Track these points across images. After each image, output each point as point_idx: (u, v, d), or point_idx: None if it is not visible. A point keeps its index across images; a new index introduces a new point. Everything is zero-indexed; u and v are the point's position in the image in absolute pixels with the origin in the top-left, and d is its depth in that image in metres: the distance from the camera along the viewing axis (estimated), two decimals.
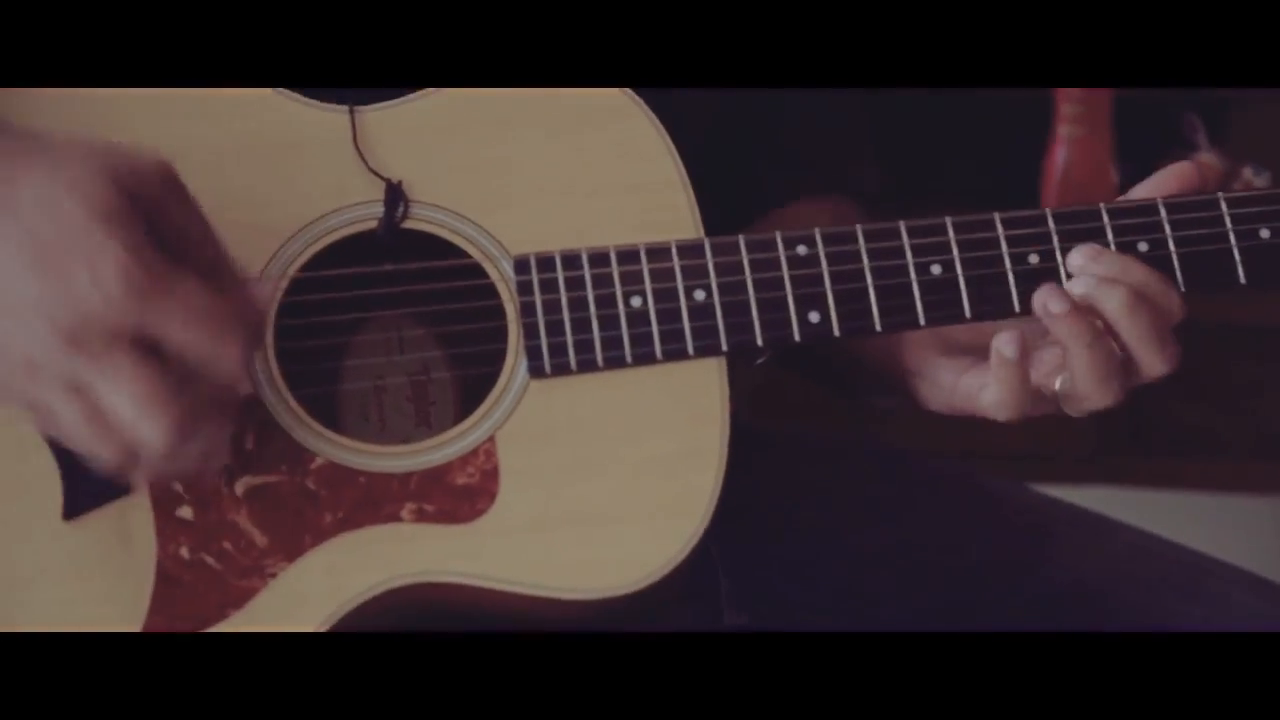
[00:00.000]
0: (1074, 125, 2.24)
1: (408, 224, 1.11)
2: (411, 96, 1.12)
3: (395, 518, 1.09)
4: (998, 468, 1.82)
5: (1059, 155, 2.23)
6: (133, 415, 0.96)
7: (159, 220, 0.99)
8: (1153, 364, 1.10)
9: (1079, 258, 1.10)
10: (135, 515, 1.08)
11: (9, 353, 0.97)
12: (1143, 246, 1.11)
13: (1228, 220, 1.11)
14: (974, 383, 1.15)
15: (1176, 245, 1.12)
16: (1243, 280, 1.12)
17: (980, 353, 1.13)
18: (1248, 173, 2.29)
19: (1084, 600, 1.25)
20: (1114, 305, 1.09)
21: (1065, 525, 1.32)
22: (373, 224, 1.11)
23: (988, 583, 1.28)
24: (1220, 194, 1.12)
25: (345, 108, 1.11)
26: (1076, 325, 1.09)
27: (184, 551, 1.08)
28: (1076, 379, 1.10)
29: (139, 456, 0.99)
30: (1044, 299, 1.09)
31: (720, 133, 1.30)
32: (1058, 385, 1.12)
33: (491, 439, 1.09)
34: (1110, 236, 1.11)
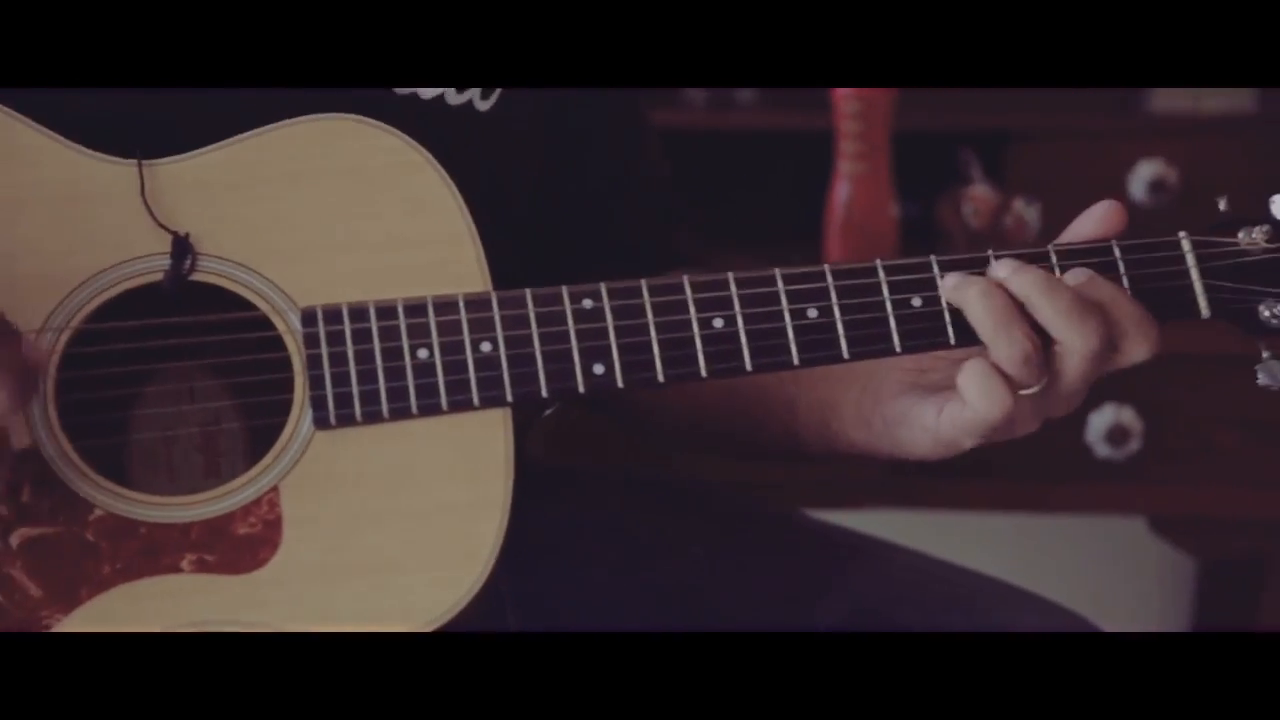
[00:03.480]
0: (854, 162, 2.25)
1: (196, 276, 1.11)
2: (201, 150, 1.12)
3: (175, 568, 1.08)
4: (780, 495, 1.87)
5: (841, 192, 2.25)
6: None
7: None
8: (1072, 340, 1.12)
9: (1004, 269, 1.12)
10: None
11: None
12: (916, 302, 1.13)
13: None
14: (956, 409, 1.14)
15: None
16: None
17: (951, 389, 1.14)
18: (1019, 205, 2.34)
19: (866, 624, 1.28)
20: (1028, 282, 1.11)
21: (846, 551, 1.36)
22: (159, 276, 1.11)
23: (775, 613, 1.31)
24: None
25: (133, 161, 1.11)
26: (994, 298, 1.11)
27: None
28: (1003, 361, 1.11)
29: None
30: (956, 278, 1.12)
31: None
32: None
33: (275, 489, 1.10)
34: (886, 293, 1.13)
